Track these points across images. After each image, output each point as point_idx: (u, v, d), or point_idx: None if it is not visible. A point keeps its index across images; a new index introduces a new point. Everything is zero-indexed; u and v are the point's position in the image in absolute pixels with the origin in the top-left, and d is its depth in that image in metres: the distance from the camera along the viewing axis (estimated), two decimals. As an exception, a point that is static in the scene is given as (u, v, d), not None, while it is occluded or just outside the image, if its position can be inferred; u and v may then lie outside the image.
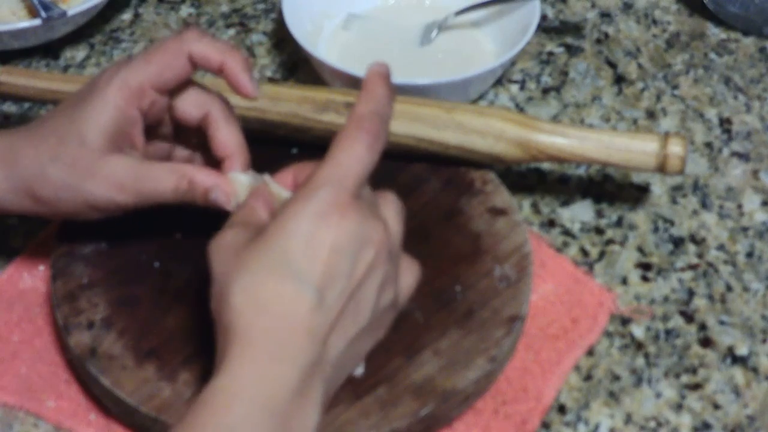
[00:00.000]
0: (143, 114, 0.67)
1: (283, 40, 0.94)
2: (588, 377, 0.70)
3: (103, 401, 0.68)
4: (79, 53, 0.94)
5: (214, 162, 0.68)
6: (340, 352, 0.59)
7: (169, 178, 0.65)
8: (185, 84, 0.68)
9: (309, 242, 0.57)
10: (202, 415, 0.55)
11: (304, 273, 0.57)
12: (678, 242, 0.78)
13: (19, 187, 0.66)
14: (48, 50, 0.94)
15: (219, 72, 0.67)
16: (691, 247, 0.78)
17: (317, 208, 0.57)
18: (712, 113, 0.87)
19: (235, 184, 0.66)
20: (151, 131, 0.69)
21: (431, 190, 0.77)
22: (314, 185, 0.58)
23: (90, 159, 0.65)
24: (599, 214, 0.80)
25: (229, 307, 0.57)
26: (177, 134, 0.71)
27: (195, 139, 0.71)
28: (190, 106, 0.68)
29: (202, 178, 0.66)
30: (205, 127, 0.68)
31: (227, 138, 0.68)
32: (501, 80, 0.90)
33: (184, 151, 0.72)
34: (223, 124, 0.68)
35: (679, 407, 0.69)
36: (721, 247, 0.78)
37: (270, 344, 0.56)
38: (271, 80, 0.91)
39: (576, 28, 0.95)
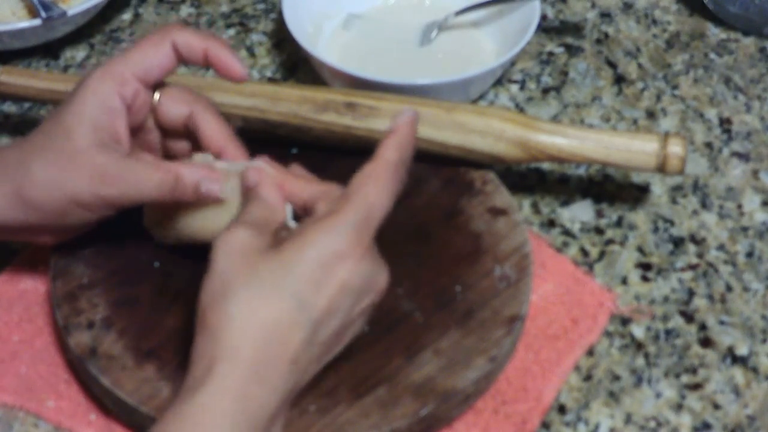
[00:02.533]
0: (127, 105, 0.66)
1: (283, 40, 0.94)
2: (588, 377, 0.70)
3: (103, 401, 0.68)
4: (79, 53, 0.94)
5: None
6: (308, 379, 0.60)
7: (154, 172, 0.64)
8: (169, 87, 0.68)
9: (321, 276, 0.57)
10: None
11: (308, 305, 0.57)
12: (678, 242, 0.78)
13: (7, 192, 0.65)
14: (48, 50, 0.94)
15: (204, 60, 0.66)
16: (691, 247, 0.78)
17: (339, 246, 0.58)
18: (712, 113, 0.87)
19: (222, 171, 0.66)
20: (137, 138, 0.69)
21: (431, 190, 0.77)
22: (341, 219, 0.58)
23: (74, 153, 0.64)
24: (599, 214, 0.80)
25: (226, 314, 0.56)
26: (167, 151, 0.71)
27: (185, 144, 0.70)
28: (174, 104, 0.68)
29: (189, 171, 0.65)
30: (192, 127, 0.68)
31: (215, 131, 0.67)
32: (501, 80, 0.90)
33: (184, 146, 0.71)
34: (208, 118, 0.68)
35: (679, 407, 0.69)
36: (721, 247, 0.78)
37: (257, 366, 0.56)
38: (271, 80, 0.91)
39: (576, 28, 0.95)
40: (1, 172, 0.66)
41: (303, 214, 0.64)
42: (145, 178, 0.64)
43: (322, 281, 0.57)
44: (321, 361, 0.60)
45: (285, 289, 0.57)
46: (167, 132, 0.70)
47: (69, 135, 0.64)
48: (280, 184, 0.64)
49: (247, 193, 0.64)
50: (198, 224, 0.67)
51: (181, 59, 0.67)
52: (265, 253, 0.58)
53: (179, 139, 0.70)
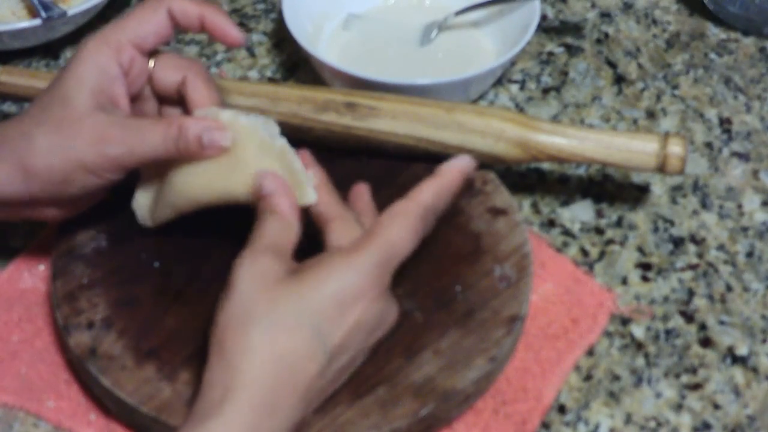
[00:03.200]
0: (124, 72, 0.66)
1: (283, 40, 0.94)
2: (588, 377, 0.70)
3: (103, 401, 0.68)
4: (79, 53, 0.94)
5: None
6: (315, 407, 0.61)
7: (157, 126, 0.64)
8: (163, 54, 0.68)
9: (340, 311, 0.58)
10: None
11: (325, 338, 0.58)
12: (678, 242, 0.78)
13: (9, 165, 0.64)
14: (48, 50, 0.94)
15: (200, 27, 0.66)
16: (691, 247, 0.78)
17: (358, 285, 0.59)
18: (712, 113, 0.87)
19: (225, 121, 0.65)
20: (135, 108, 0.68)
21: (431, 190, 0.77)
22: (363, 257, 0.59)
23: (75, 117, 0.64)
24: (599, 214, 0.80)
25: (245, 344, 0.57)
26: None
27: (179, 111, 0.69)
28: (168, 71, 0.68)
29: (192, 122, 0.64)
30: (183, 92, 0.67)
31: (202, 96, 0.67)
32: (501, 80, 0.90)
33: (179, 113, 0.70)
34: (198, 84, 0.67)
35: (679, 407, 0.69)
36: (721, 247, 0.78)
37: (271, 398, 0.56)
38: (271, 80, 0.91)
39: (576, 28, 0.95)
40: (3, 146, 0.65)
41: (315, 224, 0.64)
42: (149, 133, 0.63)
43: (339, 317, 0.58)
44: (326, 393, 0.61)
45: (304, 322, 0.57)
46: (163, 99, 0.70)
47: (68, 102, 0.64)
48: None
49: (263, 204, 0.63)
50: (196, 183, 0.66)
51: (177, 26, 0.67)
52: (285, 282, 0.59)
53: (174, 106, 0.69)
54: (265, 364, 0.56)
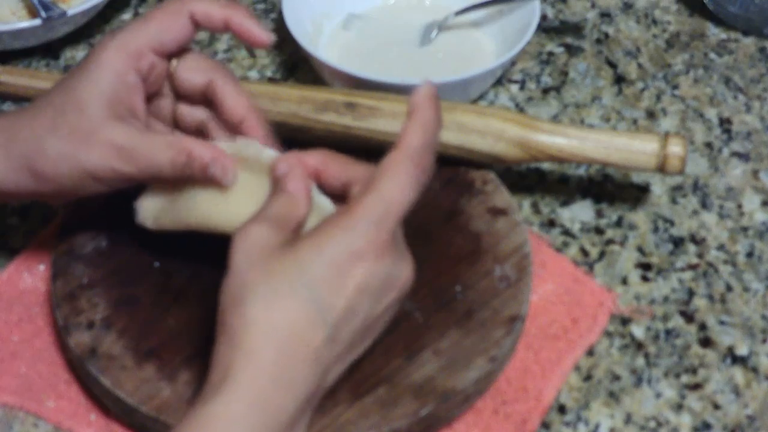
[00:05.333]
0: (143, 78, 0.65)
1: (283, 40, 0.94)
2: (588, 377, 0.70)
3: (103, 401, 0.68)
4: (79, 53, 0.94)
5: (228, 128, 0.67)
6: (334, 379, 0.58)
7: (167, 150, 0.63)
8: (185, 51, 0.67)
9: (339, 276, 0.56)
10: None
11: (326, 305, 0.56)
12: (678, 242, 0.78)
13: (18, 165, 0.64)
14: (48, 50, 0.94)
15: (224, 28, 0.65)
16: (691, 247, 0.78)
17: (355, 245, 0.56)
18: (712, 113, 0.87)
19: (239, 153, 0.64)
20: (150, 105, 0.67)
21: (431, 190, 0.76)
22: (357, 216, 0.56)
23: (89, 127, 0.63)
24: (599, 214, 0.80)
25: (243, 316, 0.55)
26: (179, 117, 0.69)
27: (201, 111, 0.69)
28: (193, 72, 0.66)
29: (201, 151, 0.63)
30: (211, 95, 0.66)
31: (236, 102, 0.66)
32: (501, 80, 0.90)
33: (197, 114, 0.69)
34: (229, 89, 0.66)
35: (679, 407, 0.69)
36: (721, 247, 0.78)
37: (276, 370, 0.55)
38: (271, 80, 0.91)
39: (576, 28, 0.95)
40: (12, 144, 0.64)
41: (341, 196, 0.62)
42: (158, 155, 0.63)
43: (338, 283, 0.56)
44: (346, 361, 0.58)
45: (301, 291, 0.56)
46: (182, 97, 0.68)
47: (83, 110, 0.63)
48: (320, 168, 0.62)
49: (275, 184, 0.62)
50: (199, 208, 0.66)
51: (199, 27, 0.65)
52: (281, 251, 0.57)
53: (195, 106, 0.68)
54: (264, 337, 0.55)
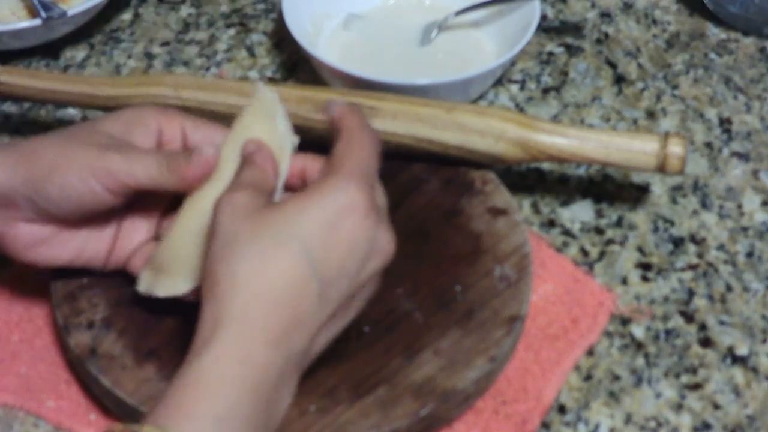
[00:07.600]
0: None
1: (283, 40, 0.94)
2: (588, 377, 0.70)
3: (103, 401, 0.68)
4: (79, 53, 0.94)
5: None
6: (321, 346, 0.59)
7: (150, 153, 0.65)
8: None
9: (329, 233, 0.57)
10: (186, 403, 0.53)
11: (318, 259, 0.56)
12: (678, 242, 0.78)
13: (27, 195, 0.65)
14: (48, 50, 0.94)
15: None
16: (691, 247, 0.78)
17: (342, 202, 0.57)
18: (712, 113, 0.87)
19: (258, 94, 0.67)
20: None
21: (431, 190, 0.77)
22: (341, 177, 0.58)
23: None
24: (599, 214, 0.80)
25: (232, 273, 0.55)
26: None
27: None
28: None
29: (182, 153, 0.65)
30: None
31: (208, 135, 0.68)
32: (501, 80, 0.90)
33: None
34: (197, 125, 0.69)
35: (679, 407, 0.69)
36: (721, 247, 0.78)
37: (264, 326, 0.55)
38: (271, 80, 0.91)
39: (576, 28, 0.95)
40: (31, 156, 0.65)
41: (298, 185, 0.65)
42: (145, 157, 0.64)
43: (329, 238, 0.56)
44: (332, 327, 0.59)
45: (293, 245, 0.56)
46: None
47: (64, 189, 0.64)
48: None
49: (243, 161, 0.64)
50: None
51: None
52: (266, 210, 0.58)
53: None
54: (253, 292, 0.55)
